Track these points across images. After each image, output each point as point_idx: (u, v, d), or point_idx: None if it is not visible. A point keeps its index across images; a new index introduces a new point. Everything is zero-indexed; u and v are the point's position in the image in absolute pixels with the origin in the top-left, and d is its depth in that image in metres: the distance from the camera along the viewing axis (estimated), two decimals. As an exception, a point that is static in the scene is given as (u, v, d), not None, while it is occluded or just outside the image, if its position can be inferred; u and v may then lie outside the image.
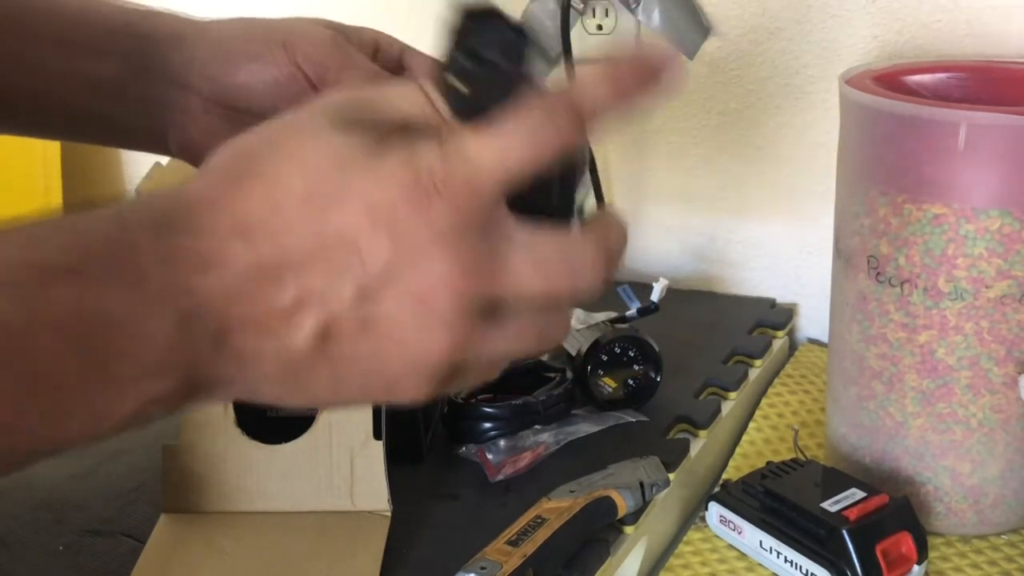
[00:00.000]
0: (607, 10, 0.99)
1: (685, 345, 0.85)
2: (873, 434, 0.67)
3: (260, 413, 0.71)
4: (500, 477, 0.68)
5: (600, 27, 1.00)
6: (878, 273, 0.63)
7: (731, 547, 0.66)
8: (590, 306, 0.87)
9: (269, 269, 0.32)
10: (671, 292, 0.82)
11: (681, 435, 0.74)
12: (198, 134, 0.52)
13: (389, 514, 0.63)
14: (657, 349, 0.76)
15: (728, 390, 0.80)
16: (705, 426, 0.75)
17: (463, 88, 0.35)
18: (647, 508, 0.64)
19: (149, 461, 0.69)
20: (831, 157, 0.68)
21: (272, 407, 0.72)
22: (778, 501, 0.62)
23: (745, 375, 0.83)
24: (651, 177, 1.04)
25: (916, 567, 0.59)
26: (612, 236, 0.37)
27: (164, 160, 0.64)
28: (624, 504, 0.61)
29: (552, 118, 0.34)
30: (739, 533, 0.64)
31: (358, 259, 0.32)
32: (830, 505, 0.60)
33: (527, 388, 0.73)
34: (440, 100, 0.36)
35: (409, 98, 0.36)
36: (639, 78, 0.36)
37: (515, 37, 0.37)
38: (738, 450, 0.77)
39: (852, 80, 0.65)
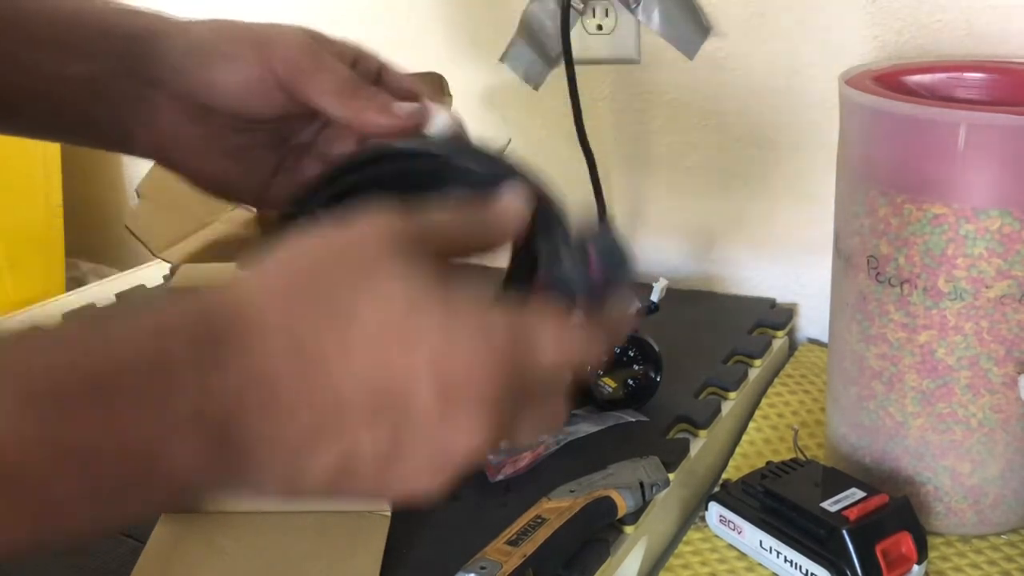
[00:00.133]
0: (607, 10, 0.99)
1: (685, 345, 0.85)
2: (873, 434, 0.67)
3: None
4: (500, 477, 0.68)
5: (600, 27, 1.00)
6: (878, 273, 0.63)
7: (731, 547, 0.66)
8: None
9: (316, 400, 0.32)
10: (671, 292, 0.82)
11: (681, 435, 0.74)
12: (164, 133, 0.51)
13: (389, 514, 0.63)
14: (657, 349, 0.76)
15: (728, 390, 0.80)
16: (705, 426, 0.75)
17: (559, 274, 0.39)
18: (647, 508, 0.64)
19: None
20: (831, 157, 0.68)
21: None
22: (778, 501, 0.62)
23: (745, 375, 0.83)
24: (651, 177, 1.04)
25: (916, 567, 0.59)
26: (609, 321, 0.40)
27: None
28: (624, 504, 0.61)
29: (609, 339, 0.39)
30: (739, 533, 0.64)
31: (403, 405, 0.33)
32: (830, 505, 0.60)
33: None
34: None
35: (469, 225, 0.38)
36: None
37: (624, 259, 0.41)
38: (738, 450, 0.77)
39: (852, 80, 0.65)
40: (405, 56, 1.14)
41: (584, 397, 0.76)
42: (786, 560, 0.61)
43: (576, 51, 1.00)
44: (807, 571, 0.60)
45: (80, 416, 0.29)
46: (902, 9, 0.85)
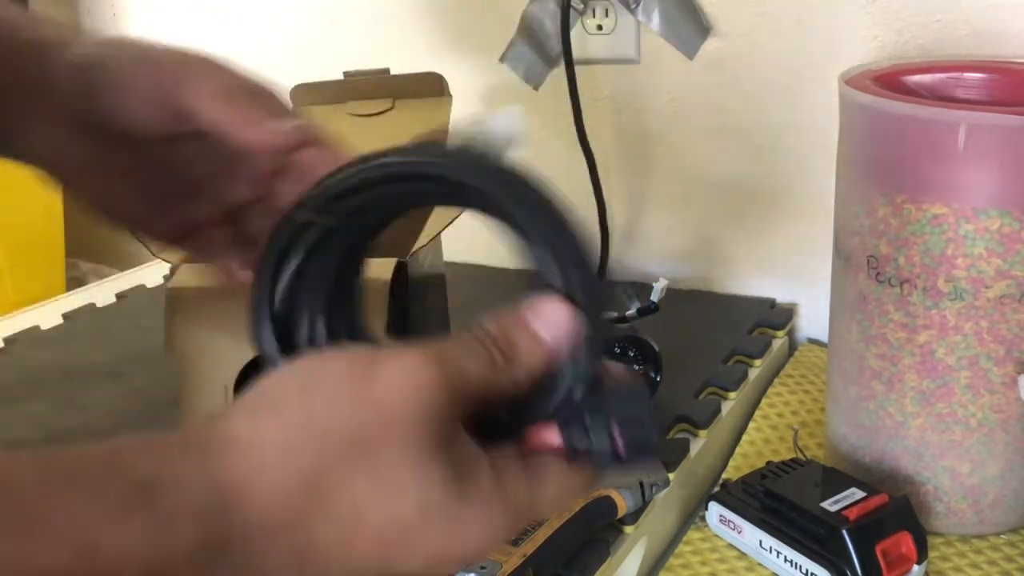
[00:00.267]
0: (607, 10, 0.99)
1: (685, 345, 0.85)
2: (873, 434, 0.67)
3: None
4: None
5: (600, 27, 1.00)
6: (878, 273, 0.63)
7: (731, 547, 0.66)
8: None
9: None
10: (671, 292, 0.82)
11: (681, 435, 0.74)
12: (49, 145, 0.49)
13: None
14: (657, 349, 0.76)
15: (728, 390, 0.80)
16: (705, 426, 0.75)
17: (583, 443, 0.36)
18: (647, 508, 0.64)
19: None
20: (831, 157, 0.68)
21: None
22: (778, 501, 0.62)
23: (745, 375, 0.83)
24: (651, 177, 1.04)
25: (916, 567, 0.59)
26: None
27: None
28: (624, 504, 0.61)
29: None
30: (739, 533, 0.64)
31: None
32: (830, 505, 0.60)
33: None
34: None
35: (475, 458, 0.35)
36: None
37: (651, 447, 0.37)
38: (738, 450, 0.77)
39: (852, 80, 0.65)
40: (405, 56, 1.14)
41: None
42: (786, 560, 0.61)
43: (576, 51, 1.00)
44: (807, 571, 0.60)
45: None
46: (902, 9, 0.85)
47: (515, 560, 0.56)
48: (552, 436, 0.36)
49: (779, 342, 0.90)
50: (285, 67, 1.07)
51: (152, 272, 1.14)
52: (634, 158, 1.04)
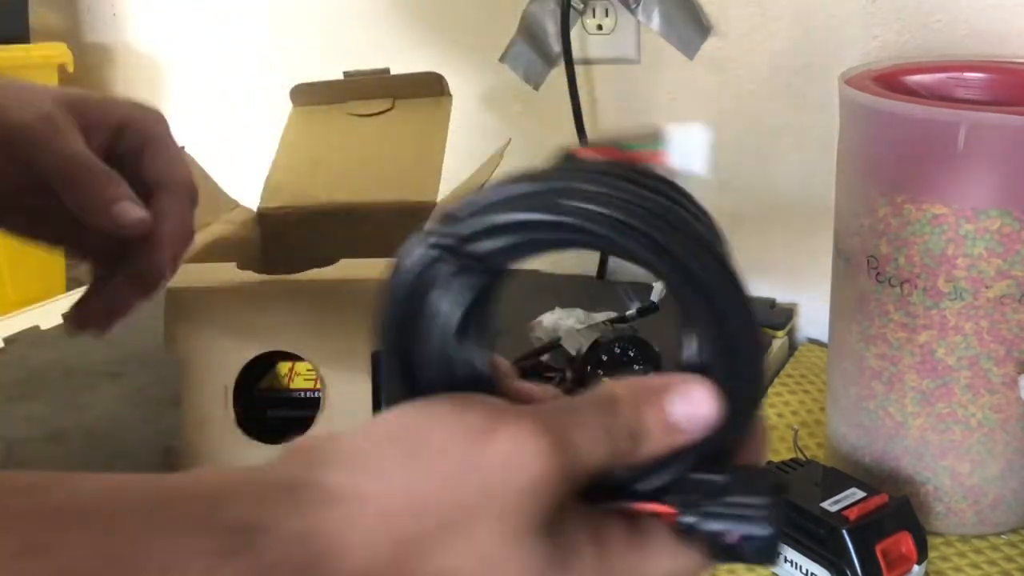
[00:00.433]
0: (607, 10, 0.99)
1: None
2: (873, 434, 0.67)
3: (260, 413, 0.71)
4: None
5: (600, 27, 1.00)
6: (878, 273, 0.63)
7: (731, 547, 0.66)
8: (590, 306, 0.87)
9: None
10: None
11: (681, 435, 0.74)
12: None
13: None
14: (657, 349, 0.76)
15: (728, 390, 0.80)
16: (705, 426, 0.75)
17: (704, 528, 0.33)
18: (647, 508, 0.64)
19: (150, 461, 0.68)
20: (831, 157, 0.68)
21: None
22: (778, 501, 0.62)
23: (745, 375, 0.83)
24: (651, 177, 1.04)
25: (916, 567, 0.59)
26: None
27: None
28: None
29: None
30: (739, 533, 0.64)
31: None
32: (830, 505, 0.60)
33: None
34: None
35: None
36: None
37: (773, 556, 0.33)
38: (738, 450, 0.77)
39: (852, 80, 0.65)
40: (405, 56, 1.14)
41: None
42: (786, 560, 0.61)
43: (576, 51, 1.00)
44: (807, 571, 0.60)
45: None
46: (902, 9, 0.85)
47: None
48: (665, 508, 0.33)
49: (779, 342, 0.90)
50: (285, 67, 1.07)
51: (152, 272, 1.14)
52: (634, 158, 1.04)
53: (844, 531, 0.57)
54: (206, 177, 0.79)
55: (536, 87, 1.04)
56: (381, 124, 0.87)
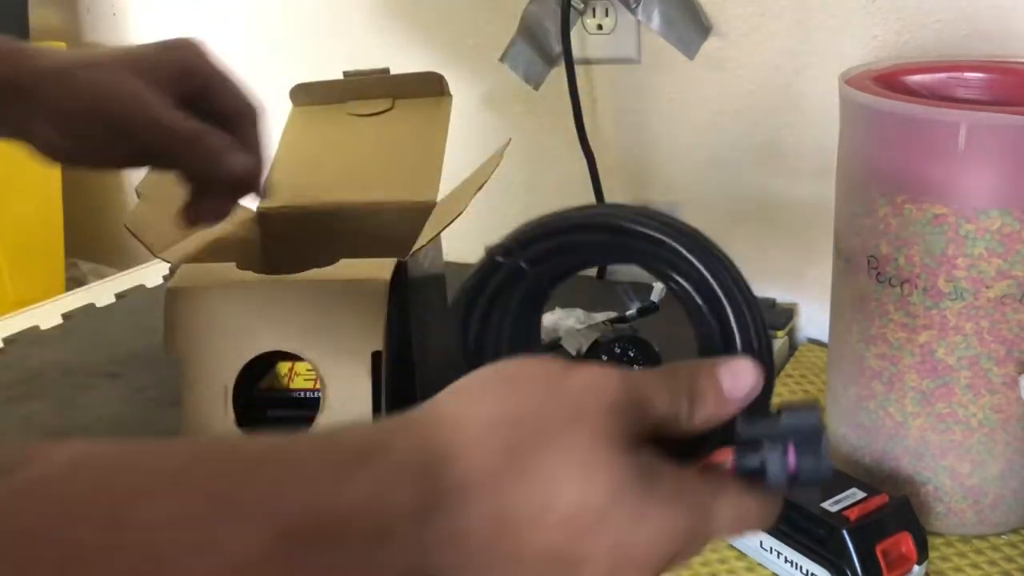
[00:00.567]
0: (607, 10, 0.99)
1: (685, 345, 0.84)
2: (873, 434, 0.67)
3: (260, 413, 0.71)
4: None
5: (600, 27, 1.00)
6: (878, 273, 0.63)
7: (731, 547, 0.66)
8: (590, 306, 0.87)
9: (498, 566, 0.34)
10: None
11: (681, 435, 0.74)
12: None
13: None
14: (657, 349, 0.76)
15: (728, 390, 0.80)
16: (705, 426, 0.75)
17: (755, 463, 0.38)
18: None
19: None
20: (831, 157, 0.68)
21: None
22: (778, 501, 0.62)
23: (745, 375, 0.82)
24: (650, 177, 1.04)
25: (916, 567, 0.59)
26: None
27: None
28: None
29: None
30: (739, 533, 0.64)
31: (575, 572, 0.35)
32: (830, 505, 0.60)
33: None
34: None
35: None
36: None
37: (825, 473, 0.38)
38: (738, 450, 0.77)
39: (852, 80, 0.65)
40: (406, 56, 1.14)
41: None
42: (786, 560, 0.61)
43: (576, 51, 1.00)
44: (807, 571, 0.60)
45: (315, 558, 0.31)
46: (902, 9, 0.85)
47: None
48: (725, 457, 0.38)
49: (779, 342, 0.90)
50: (285, 67, 1.07)
51: (152, 272, 1.14)
52: (634, 158, 1.04)
53: (844, 531, 0.57)
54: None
55: (536, 87, 1.04)
56: (381, 124, 0.87)
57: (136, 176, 0.75)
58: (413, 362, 0.71)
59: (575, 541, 0.34)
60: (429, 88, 0.85)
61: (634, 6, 0.97)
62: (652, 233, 0.42)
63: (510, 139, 0.77)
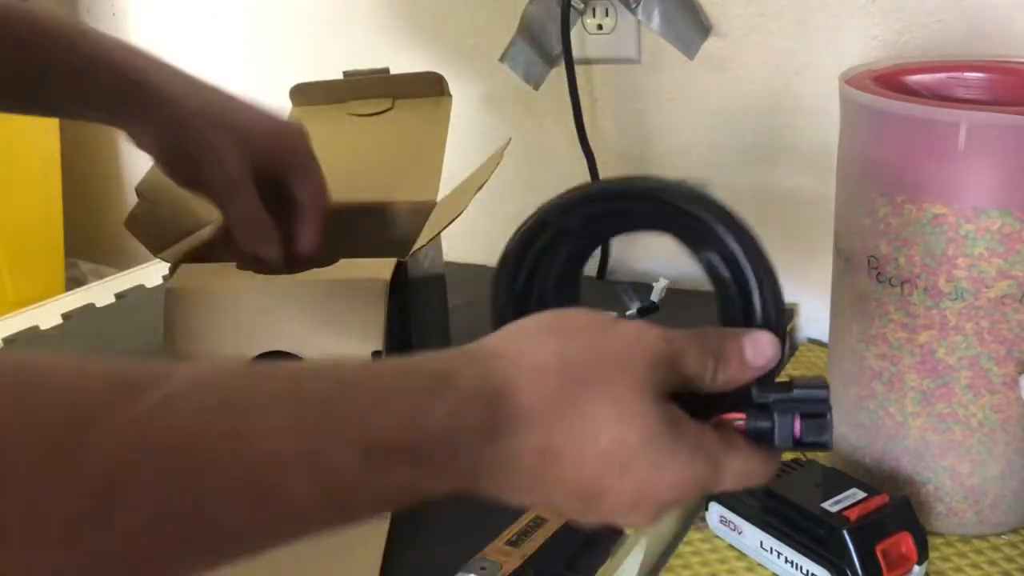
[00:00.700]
0: (607, 10, 0.99)
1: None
2: (873, 434, 0.67)
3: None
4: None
5: (600, 27, 1.00)
6: (878, 273, 0.63)
7: (731, 547, 0.66)
8: (590, 305, 0.87)
9: (537, 492, 0.39)
10: (671, 292, 0.81)
11: (681, 435, 0.74)
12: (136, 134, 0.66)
13: (389, 514, 0.63)
14: (657, 349, 0.76)
15: (728, 390, 0.80)
16: (705, 426, 0.75)
17: (766, 425, 0.43)
18: (647, 508, 0.64)
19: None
20: (831, 157, 0.68)
21: None
22: (778, 501, 0.62)
23: (745, 375, 0.82)
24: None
25: (916, 567, 0.59)
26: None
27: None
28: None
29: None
30: (739, 533, 0.64)
31: (600, 504, 0.40)
32: (830, 505, 0.60)
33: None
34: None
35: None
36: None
37: (828, 439, 0.43)
38: (738, 450, 0.77)
39: (852, 80, 0.65)
40: (406, 56, 1.14)
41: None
42: (786, 560, 0.61)
43: (576, 51, 1.00)
44: (807, 571, 0.60)
45: (396, 472, 0.36)
46: (902, 9, 0.85)
47: (515, 560, 0.56)
48: (738, 417, 0.43)
49: (779, 342, 0.90)
50: (285, 67, 1.07)
51: (152, 272, 1.14)
52: (634, 158, 1.04)
53: (844, 531, 0.57)
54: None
55: (536, 87, 1.04)
56: (381, 124, 0.87)
57: (136, 176, 0.75)
58: (413, 362, 0.71)
59: (606, 475, 0.38)
60: (429, 88, 0.85)
61: (634, 6, 0.97)
62: (690, 208, 0.47)
63: (510, 139, 0.77)
